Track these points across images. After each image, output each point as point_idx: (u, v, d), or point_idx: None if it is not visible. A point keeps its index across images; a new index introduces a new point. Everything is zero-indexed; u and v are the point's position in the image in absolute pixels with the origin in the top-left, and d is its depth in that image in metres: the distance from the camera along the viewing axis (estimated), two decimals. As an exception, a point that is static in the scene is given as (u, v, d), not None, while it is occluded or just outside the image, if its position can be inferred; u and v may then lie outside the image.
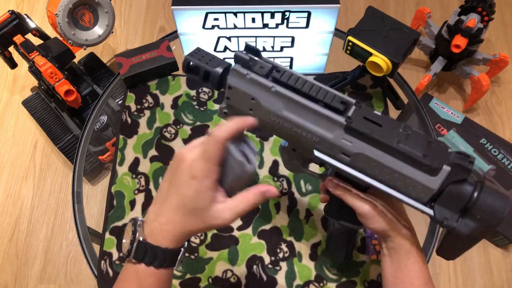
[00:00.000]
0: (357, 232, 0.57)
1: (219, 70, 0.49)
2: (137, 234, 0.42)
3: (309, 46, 0.80)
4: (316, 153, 0.46)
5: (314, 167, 0.59)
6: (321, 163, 0.54)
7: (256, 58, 0.48)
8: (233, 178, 0.44)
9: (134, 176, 0.77)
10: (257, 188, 0.43)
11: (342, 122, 0.44)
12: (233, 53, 0.47)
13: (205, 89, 0.85)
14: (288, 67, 0.49)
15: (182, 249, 0.44)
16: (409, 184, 0.43)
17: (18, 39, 1.12)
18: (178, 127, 0.82)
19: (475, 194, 0.41)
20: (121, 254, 0.43)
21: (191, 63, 0.50)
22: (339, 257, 0.59)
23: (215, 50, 0.81)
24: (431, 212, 0.43)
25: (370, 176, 0.45)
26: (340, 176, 0.51)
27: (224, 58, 0.83)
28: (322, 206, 0.71)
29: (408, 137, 0.43)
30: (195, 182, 0.41)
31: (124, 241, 0.44)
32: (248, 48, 0.48)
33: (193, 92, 0.85)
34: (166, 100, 0.84)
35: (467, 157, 0.41)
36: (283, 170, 0.76)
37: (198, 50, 0.51)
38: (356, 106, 0.45)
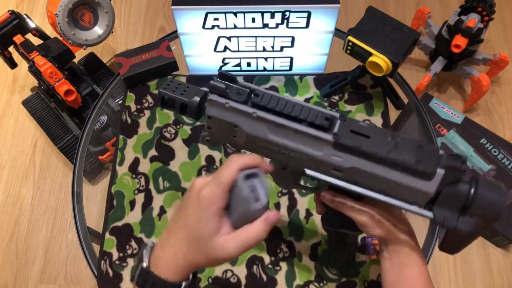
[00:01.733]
0: (357, 236, 0.58)
1: (196, 99, 0.48)
2: (142, 260, 0.41)
3: (309, 46, 0.80)
4: (308, 171, 0.46)
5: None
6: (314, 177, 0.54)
7: (233, 85, 0.47)
8: (238, 214, 0.41)
9: (134, 176, 0.77)
10: (261, 217, 0.41)
11: (329, 140, 0.43)
12: (211, 83, 0.47)
13: (205, 88, 0.85)
14: (272, 92, 0.47)
15: (184, 282, 0.41)
16: (405, 191, 0.43)
17: (18, 39, 1.12)
18: (178, 127, 0.82)
19: (472, 191, 0.41)
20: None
21: (165, 97, 0.49)
22: (342, 263, 0.59)
23: (215, 50, 0.81)
24: (430, 214, 0.43)
25: (364, 187, 0.44)
26: (335, 188, 0.50)
27: (224, 58, 0.83)
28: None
29: (398, 145, 0.42)
30: (201, 207, 0.40)
31: (133, 263, 0.44)
32: (223, 75, 0.46)
33: (193, 92, 0.85)
34: (166, 100, 0.84)
35: (459, 158, 0.41)
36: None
37: (171, 81, 0.51)
38: (341, 120, 0.44)
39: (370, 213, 0.48)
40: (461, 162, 0.41)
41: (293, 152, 0.45)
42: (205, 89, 0.50)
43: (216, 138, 0.50)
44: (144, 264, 0.41)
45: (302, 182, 0.54)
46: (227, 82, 0.46)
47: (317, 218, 0.72)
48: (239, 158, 0.42)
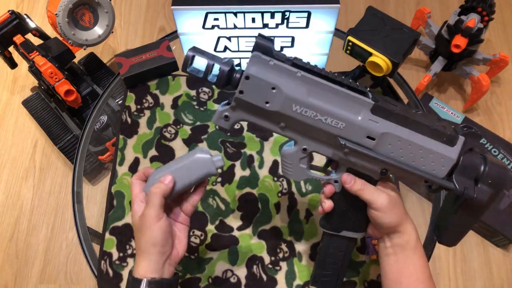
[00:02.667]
0: (352, 250, 0.56)
1: (230, 63, 0.46)
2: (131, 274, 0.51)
3: (309, 46, 0.80)
4: (341, 140, 0.46)
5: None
6: (327, 164, 0.53)
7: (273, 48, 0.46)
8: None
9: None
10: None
11: (370, 102, 0.45)
12: (255, 39, 0.44)
13: (205, 89, 0.85)
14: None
15: (144, 280, 0.48)
16: (431, 159, 0.46)
17: (18, 39, 1.11)
18: (178, 127, 0.82)
19: (484, 160, 0.46)
20: None
21: (196, 57, 0.46)
22: (331, 284, 0.57)
23: (215, 50, 0.81)
24: (452, 185, 0.46)
25: (392, 160, 0.46)
26: (352, 172, 0.50)
27: (224, 58, 0.83)
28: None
29: (422, 115, 0.47)
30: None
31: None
32: (263, 37, 0.45)
33: (193, 92, 0.85)
34: (166, 100, 0.84)
35: (469, 127, 0.47)
36: (283, 170, 0.76)
37: (194, 47, 0.47)
38: (370, 92, 0.46)
39: (389, 193, 0.49)
40: (474, 129, 0.46)
41: (331, 117, 0.45)
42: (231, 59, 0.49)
43: (241, 111, 0.47)
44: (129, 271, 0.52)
45: (311, 172, 0.52)
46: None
47: (317, 218, 0.72)
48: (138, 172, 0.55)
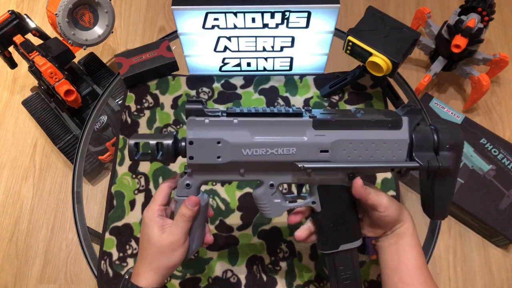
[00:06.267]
0: (358, 262, 0.55)
1: (170, 137, 0.48)
2: (126, 276, 0.50)
3: (309, 46, 0.80)
4: (300, 164, 0.47)
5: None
6: (299, 190, 0.54)
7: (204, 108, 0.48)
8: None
9: (134, 176, 0.77)
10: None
11: (308, 120, 0.47)
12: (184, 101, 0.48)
13: (205, 89, 0.85)
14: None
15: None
16: (386, 148, 0.48)
17: (18, 39, 1.11)
18: (178, 127, 0.82)
19: (434, 130, 0.48)
20: None
21: (139, 142, 0.48)
22: None
23: (215, 50, 0.81)
24: (415, 163, 0.47)
25: (352, 163, 0.48)
26: (323, 189, 0.52)
27: (224, 58, 0.83)
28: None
29: (362, 111, 0.49)
30: (145, 222, 0.51)
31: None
32: (191, 102, 0.47)
33: (193, 92, 0.85)
34: (166, 100, 0.84)
35: (408, 105, 0.49)
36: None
37: (134, 135, 0.49)
38: (306, 109, 0.49)
39: (380, 190, 0.51)
40: (412, 106, 0.49)
41: (280, 147, 0.47)
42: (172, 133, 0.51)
43: (197, 176, 0.49)
44: (127, 276, 0.51)
45: (287, 203, 0.53)
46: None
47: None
48: (166, 183, 0.52)
